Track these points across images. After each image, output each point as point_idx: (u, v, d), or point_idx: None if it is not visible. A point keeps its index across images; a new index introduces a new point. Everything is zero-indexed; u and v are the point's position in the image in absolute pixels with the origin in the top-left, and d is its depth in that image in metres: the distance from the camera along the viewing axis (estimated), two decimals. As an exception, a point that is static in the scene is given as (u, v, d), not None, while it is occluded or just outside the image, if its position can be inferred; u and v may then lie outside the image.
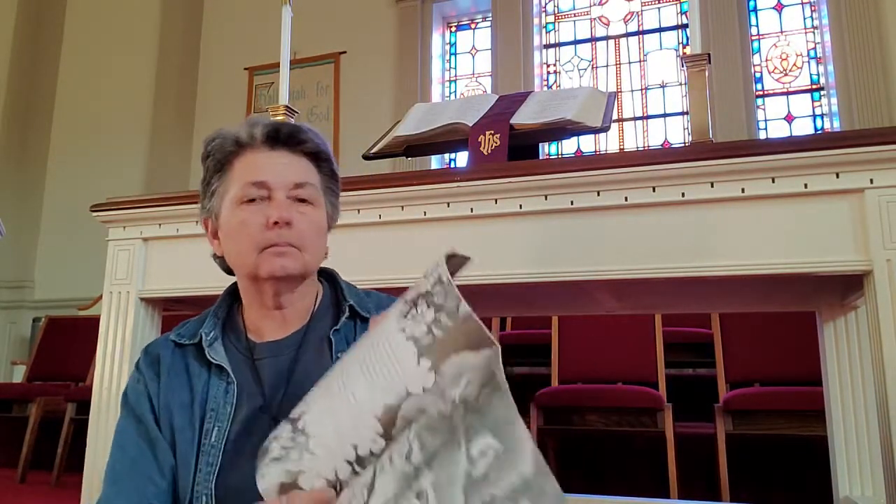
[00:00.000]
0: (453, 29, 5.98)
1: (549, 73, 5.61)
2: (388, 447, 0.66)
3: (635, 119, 5.26)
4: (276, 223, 0.88)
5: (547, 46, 5.66)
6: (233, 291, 1.01)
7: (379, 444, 0.67)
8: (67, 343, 3.97)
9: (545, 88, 5.45)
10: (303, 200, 0.93)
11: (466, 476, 0.62)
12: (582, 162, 1.33)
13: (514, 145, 1.46)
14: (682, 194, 1.23)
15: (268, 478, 0.72)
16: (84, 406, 3.28)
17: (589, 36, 5.58)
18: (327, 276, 1.02)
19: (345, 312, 0.95)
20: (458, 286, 0.66)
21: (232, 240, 0.93)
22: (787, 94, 4.95)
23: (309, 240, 0.91)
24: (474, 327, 0.65)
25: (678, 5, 5.34)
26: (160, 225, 1.56)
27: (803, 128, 4.86)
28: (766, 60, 5.01)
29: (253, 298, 0.95)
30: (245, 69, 5.99)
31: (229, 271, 0.98)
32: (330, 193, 0.98)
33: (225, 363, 0.93)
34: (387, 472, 0.65)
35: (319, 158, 0.97)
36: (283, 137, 0.94)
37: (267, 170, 0.92)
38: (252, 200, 0.91)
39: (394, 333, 0.68)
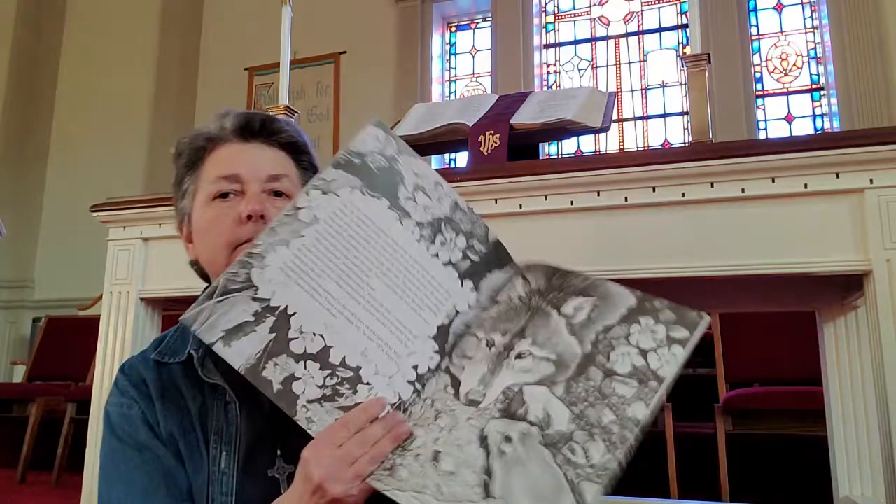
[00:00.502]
0: (453, 29, 5.98)
1: (549, 73, 5.61)
2: (443, 360, 0.74)
3: (635, 119, 5.26)
4: (249, 217, 0.82)
5: (547, 46, 5.66)
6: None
7: (435, 360, 0.74)
8: (67, 343, 3.96)
9: (545, 88, 5.45)
10: (279, 194, 0.86)
11: (568, 326, 0.71)
12: (582, 162, 1.32)
13: (514, 145, 1.45)
14: (682, 194, 1.22)
15: (319, 421, 0.70)
16: (84, 406, 3.28)
17: (589, 36, 5.58)
18: None
19: None
20: None
21: (203, 239, 0.86)
22: (787, 94, 4.95)
23: None
24: (502, 250, 0.81)
25: (678, 5, 5.34)
26: (160, 225, 1.56)
27: (803, 128, 4.86)
28: (766, 60, 5.01)
29: None
30: (245, 69, 5.99)
31: (206, 278, 0.90)
32: None
33: (222, 382, 0.83)
34: (469, 365, 0.72)
35: (297, 150, 0.91)
36: (256, 128, 0.88)
37: (239, 162, 0.86)
38: (224, 196, 0.85)
39: (427, 260, 0.77)
